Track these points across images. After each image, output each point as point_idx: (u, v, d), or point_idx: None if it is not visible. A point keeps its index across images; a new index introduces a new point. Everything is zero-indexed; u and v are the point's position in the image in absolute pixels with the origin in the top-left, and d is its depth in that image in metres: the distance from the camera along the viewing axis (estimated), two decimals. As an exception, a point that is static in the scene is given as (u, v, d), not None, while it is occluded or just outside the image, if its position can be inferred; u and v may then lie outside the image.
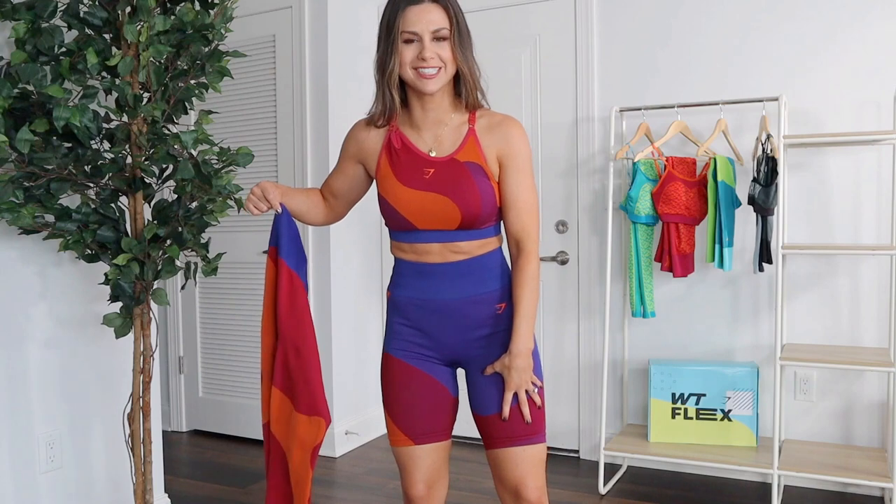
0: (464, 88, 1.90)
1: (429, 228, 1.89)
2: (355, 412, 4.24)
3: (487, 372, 1.92)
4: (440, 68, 1.84)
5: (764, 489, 3.46)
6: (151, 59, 2.41)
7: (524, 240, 1.92)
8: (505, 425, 1.91)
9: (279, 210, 1.98)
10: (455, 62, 1.86)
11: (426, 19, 1.81)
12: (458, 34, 1.85)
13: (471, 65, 1.89)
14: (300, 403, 1.90)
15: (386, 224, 1.99)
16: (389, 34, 1.86)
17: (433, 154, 1.91)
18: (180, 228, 2.54)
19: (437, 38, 1.83)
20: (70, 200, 2.73)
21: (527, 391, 1.89)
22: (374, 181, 2.01)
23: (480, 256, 1.93)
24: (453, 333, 1.94)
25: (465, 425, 3.84)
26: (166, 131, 2.51)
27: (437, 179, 1.87)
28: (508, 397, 1.89)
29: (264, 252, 4.20)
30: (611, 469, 3.74)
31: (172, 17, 2.48)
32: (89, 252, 2.49)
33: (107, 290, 2.88)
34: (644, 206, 3.43)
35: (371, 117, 1.97)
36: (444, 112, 1.93)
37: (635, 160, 3.42)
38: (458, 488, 3.54)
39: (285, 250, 1.94)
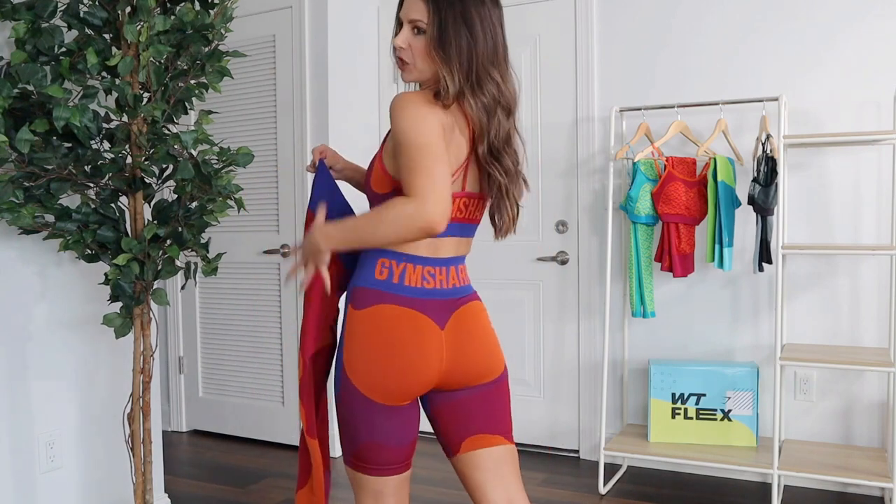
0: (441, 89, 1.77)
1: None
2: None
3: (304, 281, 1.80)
4: (406, 61, 1.79)
5: (764, 489, 3.46)
6: (151, 59, 2.41)
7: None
8: None
9: (316, 162, 1.97)
10: (429, 61, 1.77)
11: (408, 8, 1.79)
12: (439, 32, 1.74)
13: (449, 70, 1.74)
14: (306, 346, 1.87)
15: None
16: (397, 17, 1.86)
17: None
18: (180, 228, 2.54)
19: (416, 30, 1.78)
20: (70, 200, 2.73)
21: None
22: None
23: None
24: None
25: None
26: (166, 131, 2.51)
27: None
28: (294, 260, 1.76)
29: (264, 252, 4.20)
30: (611, 469, 3.74)
31: (172, 17, 2.48)
32: (89, 252, 2.48)
33: (107, 290, 2.88)
34: (644, 206, 3.43)
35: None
36: None
37: (635, 160, 3.42)
38: (458, 488, 3.54)
39: (318, 214, 1.83)
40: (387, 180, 1.76)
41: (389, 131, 1.78)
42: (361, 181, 2.12)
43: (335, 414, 1.76)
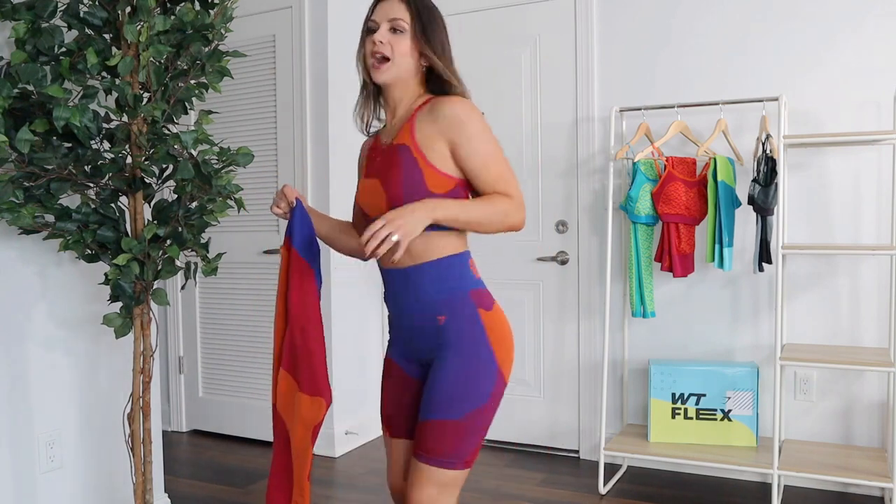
0: (444, 84, 1.90)
1: (374, 216, 1.90)
2: (355, 412, 4.23)
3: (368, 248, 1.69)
4: (387, 57, 1.86)
5: (764, 489, 3.46)
6: (151, 59, 2.41)
7: (500, 191, 1.85)
8: (419, 433, 1.83)
9: (293, 203, 2.00)
10: (417, 56, 1.88)
11: (385, 11, 1.88)
12: (422, 30, 1.87)
13: (445, 62, 1.89)
14: (303, 384, 1.95)
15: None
16: (363, 27, 1.94)
17: (384, 142, 1.94)
18: (180, 228, 2.54)
19: (395, 30, 1.87)
20: (70, 200, 2.73)
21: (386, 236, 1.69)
22: None
23: (430, 263, 1.86)
24: (410, 337, 1.92)
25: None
26: (166, 131, 2.50)
27: (378, 165, 1.91)
28: (376, 225, 1.68)
29: (264, 252, 4.20)
30: (611, 469, 3.74)
31: (172, 17, 2.48)
32: (89, 252, 2.48)
33: (107, 290, 2.88)
34: (644, 206, 3.43)
35: (359, 116, 2.03)
36: (405, 107, 1.93)
37: (635, 160, 3.42)
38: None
39: (297, 239, 1.98)
40: (446, 180, 1.83)
41: (412, 136, 1.85)
42: (340, 233, 2.12)
43: (468, 425, 1.80)
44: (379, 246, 1.67)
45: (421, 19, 1.87)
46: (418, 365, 1.96)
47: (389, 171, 1.84)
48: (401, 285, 1.89)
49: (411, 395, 1.98)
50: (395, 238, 1.67)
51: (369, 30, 1.90)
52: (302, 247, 1.98)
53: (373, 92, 1.98)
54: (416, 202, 1.74)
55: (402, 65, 1.87)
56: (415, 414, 1.97)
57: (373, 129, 2.05)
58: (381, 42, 1.85)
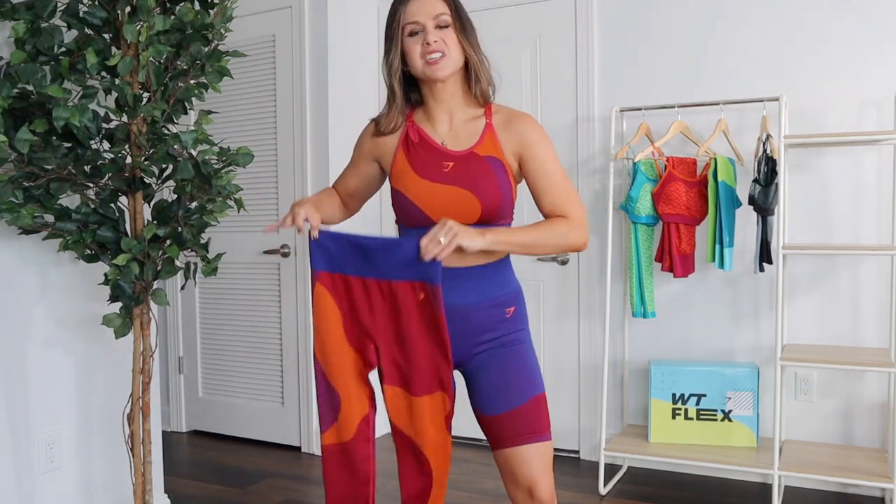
0: (473, 78, 1.92)
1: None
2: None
3: (428, 250, 1.76)
4: (444, 53, 1.87)
5: (764, 490, 3.45)
6: (151, 58, 2.40)
7: (565, 215, 1.92)
8: (511, 424, 1.88)
9: (316, 236, 1.91)
10: (461, 49, 1.90)
11: (426, 9, 1.87)
12: (461, 22, 1.90)
13: (479, 54, 1.93)
14: (415, 388, 1.90)
15: (399, 221, 1.99)
16: (392, 33, 1.91)
17: (449, 147, 1.93)
18: (180, 228, 2.54)
19: (440, 26, 1.88)
20: (70, 200, 2.73)
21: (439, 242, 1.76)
22: (389, 177, 2.01)
23: (495, 262, 1.95)
24: (461, 337, 1.92)
25: (466, 426, 3.83)
26: (166, 131, 2.50)
27: (458, 173, 1.89)
28: (434, 231, 1.76)
29: (265, 252, 4.20)
30: (611, 469, 3.73)
31: (172, 17, 2.47)
32: (89, 252, 2.48)
33: (106, 290, 2.87)
34: (644, 206, 3.43)
35: (379, 120, 2.00)
36: (458, 105, 1.96)
37: (636, 160, 3.42)
38: (459, 489, 3.54)
39: (349, 266, 1.91)
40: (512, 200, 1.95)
41: (500, 149, 1.91)
42: (335, 212, 2.12)
43: (541, 400, 1.94)
44: (442, 250, 1.75)
45: (459, 13, 1.90)
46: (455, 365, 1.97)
47: (480, 181, 1.87)
48: (468, 284, 1.92)
49: None
50: (443, 240, 1.75)
51: (412, 32, 1.88)
52: (353, 268, 1.91)
53: (402, 97, 1.96)
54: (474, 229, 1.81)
55: (455, 57, 1.89)
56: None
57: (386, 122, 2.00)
58: (435, 41, 1.86)
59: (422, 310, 1.86)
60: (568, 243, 1.90)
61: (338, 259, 1.91)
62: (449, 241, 1.74)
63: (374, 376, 1.98)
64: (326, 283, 1.93)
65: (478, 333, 1.94)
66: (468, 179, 1.88)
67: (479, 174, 1.88)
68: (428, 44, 1.86)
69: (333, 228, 2.05)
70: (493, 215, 1.89)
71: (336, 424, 1.97)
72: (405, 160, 1.94)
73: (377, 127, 2.01)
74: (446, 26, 1.88)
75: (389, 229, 4.40)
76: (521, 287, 2.06)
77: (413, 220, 1.92)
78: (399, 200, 1.94)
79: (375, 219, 4.39)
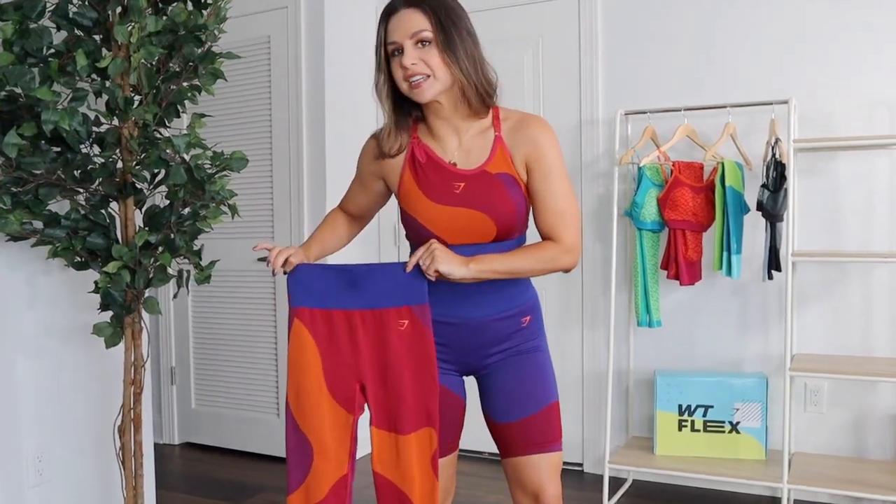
0: (465, 95, 1.81)
1: (461, 243, 1.83)
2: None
3: (410, 263, 1.79)
4: (427, 75, 1.76)
5: None
6: (143, 60, 2.36)
7: (555, 238, 1.85)
8: (524, 432, 1.89)
9: (288, 270, 1.92)
10: (447, 67, 1.77)
11: (403, 27, 1.76)
12: (444, 35, 1.76)
13: (471, 67, 1.80)
14: (402, 426, 1.85)
15: (410, 238, 1.93)
16: (378, 52, 1.83)
17: (459, 166, 1.85)
18: (172, 235, 2.50)
19: (420, 43, 1.76)
20: (59, 206, 2.68)
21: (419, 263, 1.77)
22: (396, 195, 1.95)
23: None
24: (475, 348, 1.90)
25: (469, 439, 3.75)
26: (158, 135, 2.48)
27: (470, 194, 1.82)
28: (417, 256, 1.76)
29: (259, 260, 4.12)
30: (616, 483, 3.67)
31: (164, 18, 2.44)
32: (79, 259, 2.45)
33: (97, 298, 2.83)
34: (650, 212, 3.38)
35: (380, 142, 1.92)
36: (462, 119, 1.86)
37: (641, 165, 3.37)
38: (458, 502, 3.48)
39: (332, 299, 1.87)
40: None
41: (512, 165, 1.85)
42: (335, 243, 2.13)
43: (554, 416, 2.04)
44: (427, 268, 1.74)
45: (443, 28, 1.76)
46: (458, 374, 1.96)
47: (494, 201, 1.81)
48: (482, 297, 1.87)
49: (455, 406, 1.96)
50: (422, 264, 1.75)
51: (393, 52, 1.78)
52: (330, 300, 1.86)
53: (394, 121, 1.88)
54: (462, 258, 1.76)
55: (441, 76, 1.78)
56: (461, 422, 1.99)
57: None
58: (413, 64, 1.75)
59: (407, 340, 1.82)
60: (555, 267, 1.85)
61: (319, 293, 1.86)
62: (427, 267, 1.74)
63: (364, 420, 1.91)
64: (305, 319, 1.88)
65: (493, 344, 1.91)
66: (481, 201, 1.81)
67: (493, 194, 1.81)
68: (405, 67, 1.75)
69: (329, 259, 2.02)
70: (508, 233, 1.86)
71: (305, 485, 1.91)
72: (413, 181, 1.87)
73: (379, 149, 1.92)
74: (428, 43, 1.75)
75: (388, 233, 4.34)
76: (538, 294, 2.02)
77: (425, 241, 1.85)
78: (409, 222, 1.88)
79: (373, 226, 4.34)
